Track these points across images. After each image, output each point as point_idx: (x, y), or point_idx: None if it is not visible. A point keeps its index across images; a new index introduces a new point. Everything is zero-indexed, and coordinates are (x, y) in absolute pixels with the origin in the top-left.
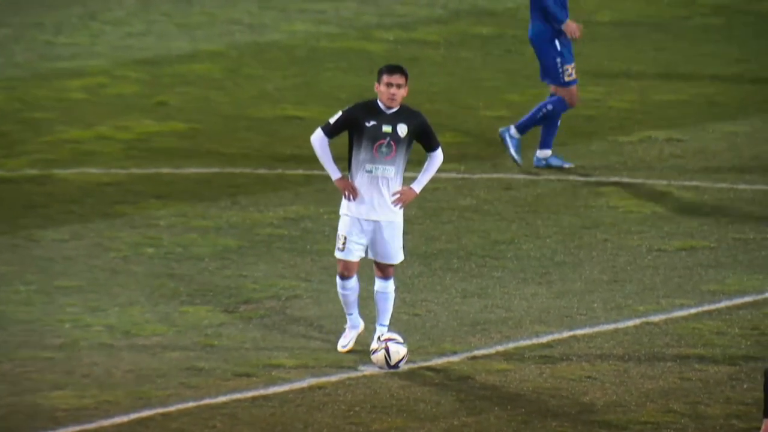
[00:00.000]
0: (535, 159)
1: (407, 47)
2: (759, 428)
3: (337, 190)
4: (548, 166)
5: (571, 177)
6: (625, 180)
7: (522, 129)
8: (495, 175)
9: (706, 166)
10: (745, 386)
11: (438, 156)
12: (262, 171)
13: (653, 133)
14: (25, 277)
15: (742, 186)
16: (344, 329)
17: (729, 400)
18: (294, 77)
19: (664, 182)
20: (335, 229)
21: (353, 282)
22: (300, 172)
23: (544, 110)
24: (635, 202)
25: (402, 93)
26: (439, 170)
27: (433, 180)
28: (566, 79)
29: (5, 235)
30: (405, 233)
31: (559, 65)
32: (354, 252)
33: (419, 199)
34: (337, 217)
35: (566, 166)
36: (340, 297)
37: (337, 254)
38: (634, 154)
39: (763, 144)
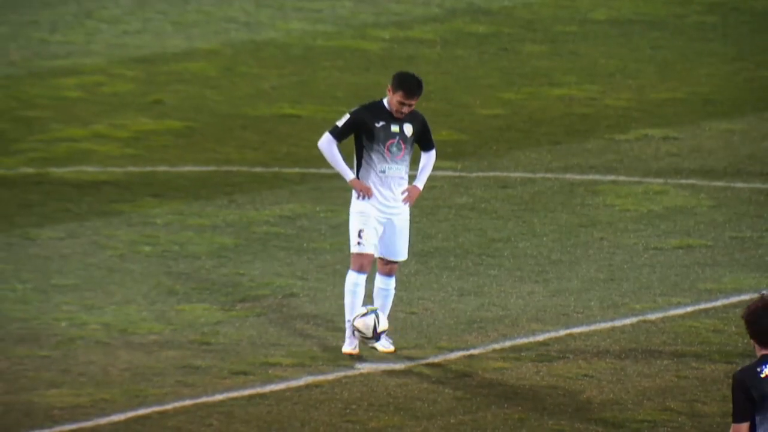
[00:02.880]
0: None
1: (403, 46)
2: None
3: (332, 188)
4: None
5: (568, 175)
6: (622, 178)
7: None
8: (491, 174)
9: (702, 164)
10: None
11: (434, 155)
12: (258, 169)
13: (650, 132)
14: (21, 276)
15: (738, 184)
16: (345, 329)
17: (725, 398)
18: (290, 76)
19: (661, 180)
20: (331, 227)
21: (363, 279)
22: (296, 170)
23: None
24: (632, 200)
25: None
26: (436, 168)
27: (430, 178)
28: None
29: (1, 233)
30: None
31: None
32: (372, 244)
33: None
34: (333, 215)
35: None
36: (350, 295)
37: (356, 249)
38: (630, 153)
39: (759, 142)
